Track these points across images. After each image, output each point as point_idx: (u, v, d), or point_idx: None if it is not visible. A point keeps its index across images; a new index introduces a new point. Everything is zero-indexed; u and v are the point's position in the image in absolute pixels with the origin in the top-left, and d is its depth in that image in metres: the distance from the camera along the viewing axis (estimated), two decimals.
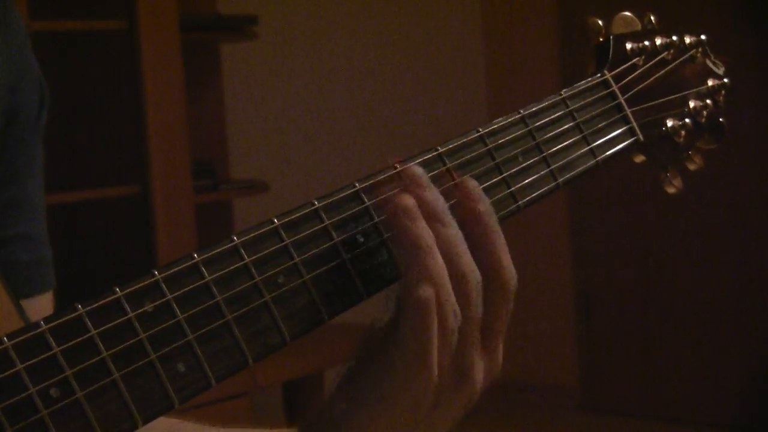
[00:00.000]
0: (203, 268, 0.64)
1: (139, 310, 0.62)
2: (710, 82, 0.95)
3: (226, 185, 3.16)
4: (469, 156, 0.76)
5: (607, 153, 0.86)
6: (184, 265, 0.64)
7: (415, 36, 4.13)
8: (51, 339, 0.60)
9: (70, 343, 0.60)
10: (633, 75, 0.89)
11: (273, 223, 0.67)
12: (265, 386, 3.05)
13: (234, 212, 3.25)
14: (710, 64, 0.95)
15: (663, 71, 0.92)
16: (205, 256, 0.65)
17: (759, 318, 3.84)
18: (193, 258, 0.64)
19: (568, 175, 0.82)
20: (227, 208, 3.23)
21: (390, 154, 0.71)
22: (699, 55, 0.95)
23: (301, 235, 0.68)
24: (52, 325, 0.60)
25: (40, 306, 0.84)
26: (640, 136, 0.88)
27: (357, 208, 0.70)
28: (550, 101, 0.83)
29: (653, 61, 0.91)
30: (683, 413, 4.00)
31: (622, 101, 0.88)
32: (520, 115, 0.80)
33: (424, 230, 0.67)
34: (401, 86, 4.07)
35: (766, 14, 3.72)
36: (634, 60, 0.90)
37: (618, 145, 0.87)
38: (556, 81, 4.12)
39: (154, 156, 2.83)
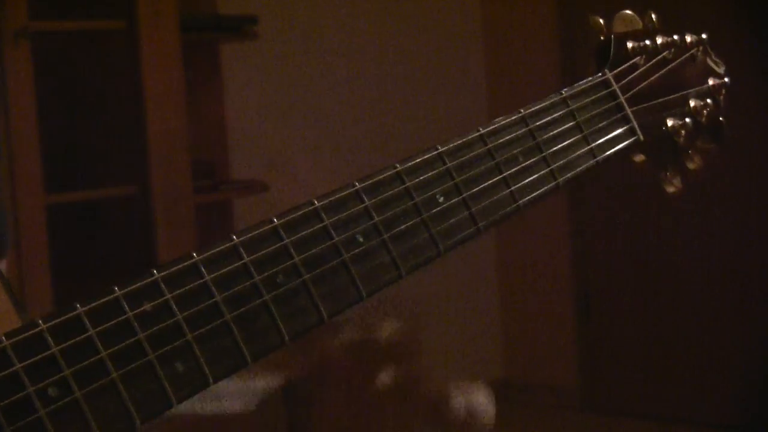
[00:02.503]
0: (202, 268, 0.64)
1: (138, 310, 0.62)
2: (711, 82, 0.94)
3: (226, 185, 3.15)
4: (469, 156, 0.76)
5: (607, 152, 0.85)
6: (183, 265, 0.64)
7: (415, 36, 4.12)
8: (49, 338, 0.59)
9: (69, 343, 0.60)
10: (634, 74, 0.89)
11: (272, 222, 0.67)
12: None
13: (234, 212, 3.24)
14: (711, 63, 0.95)
15: (664, 70, 0.91)
16: (205, 255, 0.65)
17: (759, 318, 3.83)
18: (193, 257, 0.64)
19: (568, 175, 0.82)
20: (227, 208, 3.22)
21: (390, 155, 0.71)
22: (700, 54, 0.94)
23: (301, 234, 0.68)
24: (50, 324, 0.60)
25: None
26: (641, 136, 0.88)
27: (357, 208, 0.70)
28: (550, 101, 0.83)
29: (654, 60, 0.91)
30: (683, 413, 3.99)
31: (623, 101, 0.88)
32: (520, 115, 0.80)
33: None
34: (401, 86, 4.07)
35: (766, 14, 3.72)
36: (635, 59, 0.90)
37: (618, 144, 0.86)
38: (556, 81, 4.11)
39: (154, 156, 2.82)
